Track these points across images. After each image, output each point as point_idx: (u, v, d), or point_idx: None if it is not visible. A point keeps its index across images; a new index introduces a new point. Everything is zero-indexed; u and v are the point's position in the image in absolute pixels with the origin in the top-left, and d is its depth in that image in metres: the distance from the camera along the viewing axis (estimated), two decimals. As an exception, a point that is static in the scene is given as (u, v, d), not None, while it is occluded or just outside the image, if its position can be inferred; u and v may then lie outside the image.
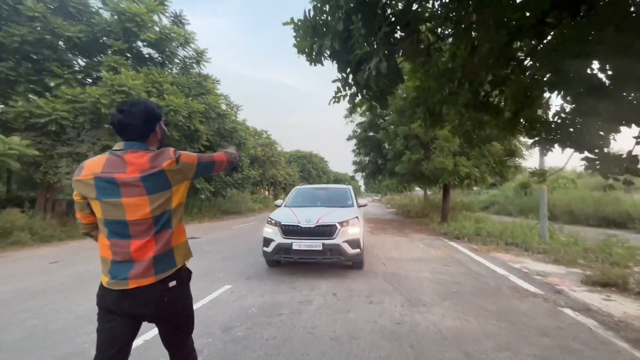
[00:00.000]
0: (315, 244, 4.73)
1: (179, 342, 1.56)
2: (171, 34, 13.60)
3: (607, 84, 2.41)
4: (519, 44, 2.98)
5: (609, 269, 4.92)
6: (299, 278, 4.86)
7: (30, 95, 11.53)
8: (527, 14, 2.40)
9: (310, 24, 2.72)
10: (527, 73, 3.09)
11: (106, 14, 12.48)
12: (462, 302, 3.85)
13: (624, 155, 2.62)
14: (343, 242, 4.78)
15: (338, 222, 4.88)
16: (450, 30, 2.92)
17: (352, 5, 2.39)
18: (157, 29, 13.31)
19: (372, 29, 2.43)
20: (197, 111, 13.18)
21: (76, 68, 13.01)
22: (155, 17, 13.25)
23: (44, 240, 9.08)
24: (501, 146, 11.29)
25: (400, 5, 2.65)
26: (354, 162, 18.68)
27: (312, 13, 2.73)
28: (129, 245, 1.35)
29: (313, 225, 4.83)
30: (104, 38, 12.41)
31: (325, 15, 2.71)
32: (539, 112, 3.32)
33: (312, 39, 2.79)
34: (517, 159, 12.49)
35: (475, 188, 19.75)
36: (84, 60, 13.25)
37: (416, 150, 12.09)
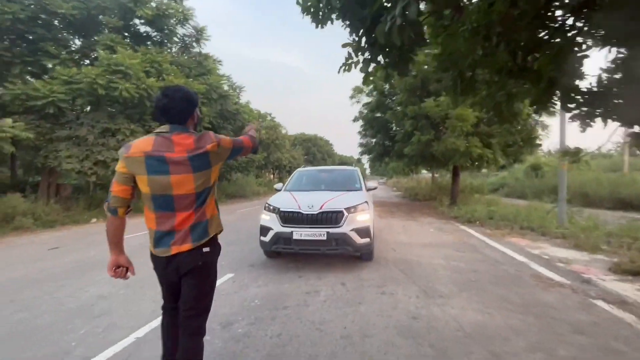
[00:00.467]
0: (319, 233, 4.16)
1: (199, 300, 1.66)
2: (169, 10, 12.95)
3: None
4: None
5: (639, 256, 4.56)
6: (305, 265, 4.60)
7: (27, 77, 11.19)
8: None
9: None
10: (569, 34, 2.64)
11: (100, -10, 11.87)
12: (482, 292, 3.55)
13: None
14: (351, 230, 4.20)
15: (345, 208, 4.31)
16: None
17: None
18: (153, 4, 12.68)
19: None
20: (197, 92, 12.72)
21: (73, 48, 12.57)
22: (151, -8, 12.61)
23: (46, 225, 8.96)
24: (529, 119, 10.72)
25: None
26: (360, 144, 18.15)
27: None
28: (174, 217, 1.53)
29: (316, 212, 4.24)
30: (100, 16, 11.86)
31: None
32: (577, 82, 2.89)
33: (319, -9, 2.36)
34: (540, 133, 11.94)
35: (484, 170, 19.23)
36: (80, 39, 12.78)
37: (426, 131, 11.55)
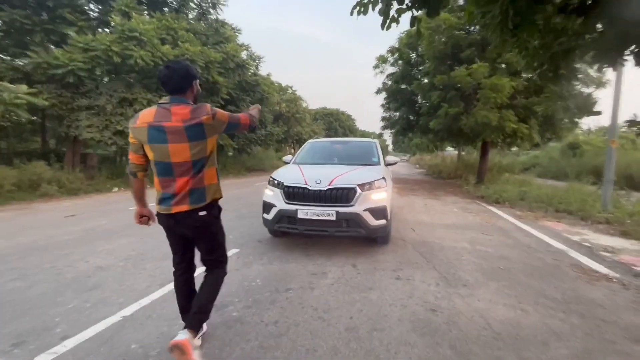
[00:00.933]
0: (327, 213, 3.63)
1: (210, 253, 1.97)
2: (184, -28, 12.32)
3: None
4: None
5: None
6: (315, 243, 4.30)
7: (50, 46, 11.18)
8: None
9: None
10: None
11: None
12: (514, 283, 3.10)
13: None
14: (364, 210, 3.65)
15: (358, 185, 3.74)
16: None
17: None
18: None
19: None
20: (214, 61, 12.29)
21: (91, 16, 12.37)
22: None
23: (71, 193, 9.21)
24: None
25: None
26: (383, 118, 17.21)
27: None
28: (174, 182, 1.71)
29: (324, 188, 3.70)
30: (115, -20, 11.46)
31: None
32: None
33: None
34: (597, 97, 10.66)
35: (514, 149, 17.87)
36: (98, 6, 12.53)
37: (455, 103, 10.59)
